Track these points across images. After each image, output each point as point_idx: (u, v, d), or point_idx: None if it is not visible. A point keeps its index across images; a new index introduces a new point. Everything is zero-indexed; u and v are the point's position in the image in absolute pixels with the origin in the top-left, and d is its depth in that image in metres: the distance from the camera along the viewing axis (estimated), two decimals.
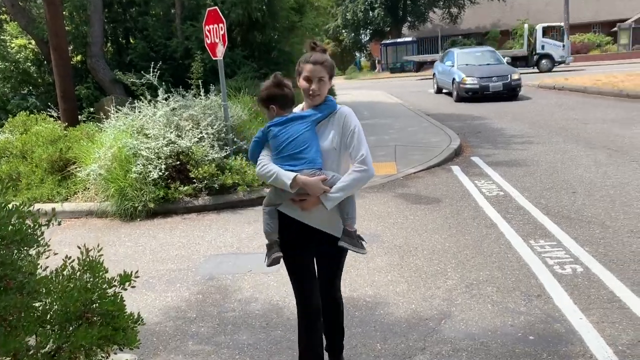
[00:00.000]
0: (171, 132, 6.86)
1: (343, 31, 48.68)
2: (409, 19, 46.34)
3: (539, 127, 10.84)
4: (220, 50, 7.02)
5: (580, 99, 14.69)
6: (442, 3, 44.77)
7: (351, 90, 25.54)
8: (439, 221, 5.67)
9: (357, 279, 4.38)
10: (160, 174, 6.57)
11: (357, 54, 55.56)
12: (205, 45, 7.28)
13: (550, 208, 5.81)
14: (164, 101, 7.34)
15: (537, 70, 29.17)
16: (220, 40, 7.00)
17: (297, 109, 2.75)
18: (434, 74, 20.32)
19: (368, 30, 49.12)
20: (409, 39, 44.89)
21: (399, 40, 44.87)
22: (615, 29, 43.21)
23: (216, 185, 6.67)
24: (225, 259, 5.07)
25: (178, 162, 6.79)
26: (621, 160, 7.60)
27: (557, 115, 12.24)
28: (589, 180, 6.77)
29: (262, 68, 10.62)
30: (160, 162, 6.62)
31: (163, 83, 8.26)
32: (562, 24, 35.44)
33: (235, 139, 7.20)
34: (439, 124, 11.48)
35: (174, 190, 6.64)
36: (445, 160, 8.36)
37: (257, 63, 10.60)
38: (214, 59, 7.24)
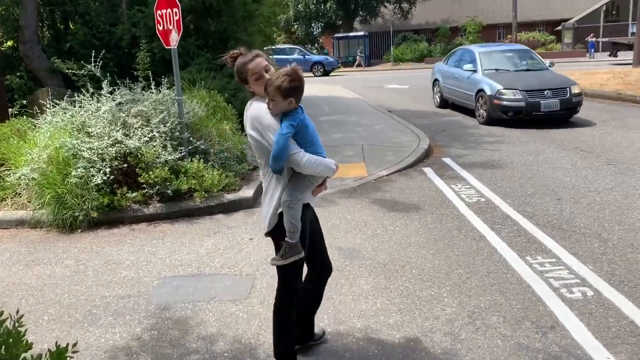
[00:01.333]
0: (117, 131, 6.03)
1: (294, 24, 47.90)
2: (361, 13, 46.09)
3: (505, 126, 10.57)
4: (174, 39, 6.23)
5: None
6: None
7: (306, 85, 24.87)
8: (422, 233, 5.14)
9: (341, 307, 3.77)
10: (105, 178, 5.73)
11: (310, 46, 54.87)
12: (157, 32, 6.46)
13: (538, 217, 5.39)
14: (108, 95, 6.47)
15: None
16: (174, 27, 6.20)
17: (263, 104, 2.67)
18: (434, 80, 14.08)
19: (320, 23, 48.53)
20: (361, 33, 44.61)
21: (351, 34, 44.50)
22: (558, 28, 44.45)
23: (169, 191, 5.90)
24: (183, 283, 4.34)
25: (125, 165, 5.97)
26: (597, 164, 7.33)
27: None
28: (570, 185, 6.43)
29: (217, 59, 9.82)
30: (104, 164, 5.79)
31: (108, 74, 7.37)
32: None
33: (191, 139, 6.43)
34: (404, 121, 11.01)
35: (120, 196, 5.82)
36: (417, 162, 7.87)
37: (213, 53, 9.77)
38: (167, 47, 6.43)
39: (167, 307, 3.93)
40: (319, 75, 30.93)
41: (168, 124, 6.26)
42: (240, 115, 8.80)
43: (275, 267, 2.82)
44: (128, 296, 4.14)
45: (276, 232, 2.75)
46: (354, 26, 47.00)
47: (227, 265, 4.63)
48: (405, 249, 4.77)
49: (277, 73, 2.60)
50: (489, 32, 45.52)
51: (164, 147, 6.13)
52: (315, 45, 49.30)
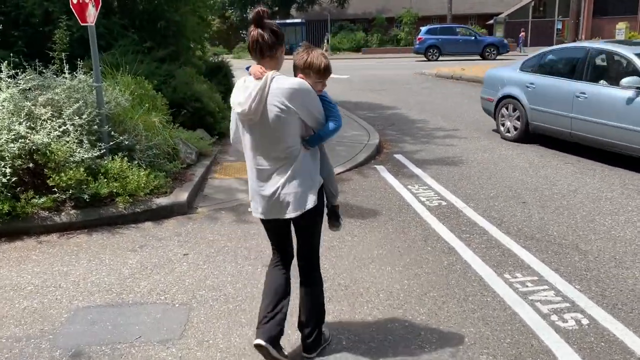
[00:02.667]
0: (20, 123, 5.00)
1: (229, 8, 46.33)
2: (298, 0, 45.23)
3: (453, 120, 10.18)
4: (92, 14, 5.24)
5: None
6: None
7: (244, 72, 23.87)
8: (384, 245, 4.52)
9: (298, 347, 3.08)
10: (5, 180, 4.72)
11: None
12: (71, 6, 5.43)
13: (507, 224, 4.92)
14: (10, 79, 5.40)
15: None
16: (91, 0, 5.22)
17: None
18: (502, 98, 8.42)
19: (256, 8, 47.16)
20: (298, 20, 43.82)
21: (287, 21, 43.56)
22: (490, 21, 45.50)
23: (86, 196, 4.97)
24: (100, 316, 3.49)
25: (32, 164, 4.97)
26: (555, 162, 7.01)
27: (465, 106, 11.73)
28: (532, 186, 6.03)
29: (145, 41, 8.77)
30: (4, 164, 4.78)
31: (12, 55, 6.23)
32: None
33: (112, 133, 5.48)
34: (349, 113, 10.40)
35: (25, 202, 4.83)
36: (369, 159, 7.28)
37: (140, 34, 8.74)
38: (82, 24, 5.42)
39: (77, 352, 3.09)
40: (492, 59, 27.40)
41: (85, 116, 5.29)
42: (174, 105, 7.89)
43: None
44: (27, 337, 3.25)
45: (314, 210, 2.72)
46: (290, 13, 46.06)
47: (155, 290, 3.81)
48: (368, 265, 4.14)
49: (316, 53, 2.66)
50: (424, 24, 45.81)
51: (80, 143, 5.16)
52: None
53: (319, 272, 2.97)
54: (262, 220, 2.84)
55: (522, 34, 37.93)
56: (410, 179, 6.44)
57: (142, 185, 5.20)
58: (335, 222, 3.00)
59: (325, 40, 40.10)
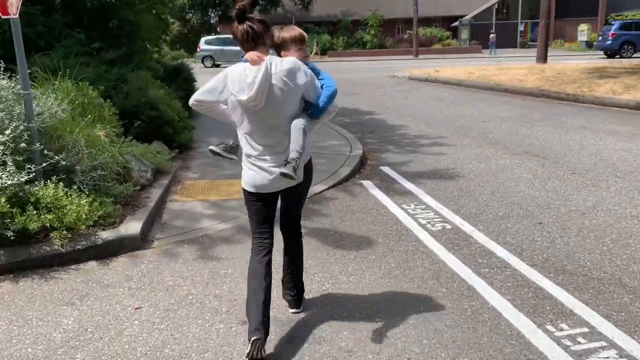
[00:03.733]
0: None
1: (189, 11, 44.92)
2: (261, 2, 44.20)
3: (437, 126, 9.43)
4: (14, 3, 4.20)
5: (460, 93, 13.84)
6: None
7: (206, 75, 22.74)
8: (388, 285, 3.65)
9: None
10: None
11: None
12: None
13: (530, 253, 4.12)
14: None
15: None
16: None
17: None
18: None
19: (217, 11, 45.92)
20: None
21: None
22: (455, 24, 45.52)
23: (11, 232, 3.93)
24: None
25: None
26: (560, 172, 6.30)
27: (447, 111, 11.03)
28: (544, 202, 5.28)
29: (94, 41, 7.72)
30: None
31: None
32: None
33: (45, 151, 4.42)
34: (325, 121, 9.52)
35: None
36: (353, 173, 6.41)
37: (88, 34, 7.67)
38: (3, 17, 4.35)
39: None
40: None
41: (9, 131, 4.23)
42: (126, 114, 6.85)
43: None
44: None
45: (307, 178, 3.08)
46: (253, 15, 44.90)
47: None
48: (373, 317, 3.26)
49: (287, 28, 2.94)
50: (389, 27, 45.66)
51: (2, 165, 4.12)
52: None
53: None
54: (256, 195, 2.99)
55: (492, 35, 37.92)
56: (404, 197, 5.61)
57: (84, 215, 4.19)
58: (285, 166, 2.81)
59: (315, 43, 39.17)
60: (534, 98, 12.29)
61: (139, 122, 6.45)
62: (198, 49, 31.96)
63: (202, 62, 31.90)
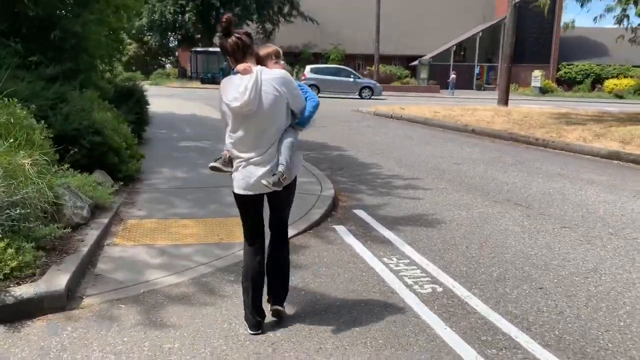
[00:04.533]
0: None
1: (147, 34, 43.80)
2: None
3: (409, 166, 8.87)
4: None
5: (427, 131, 13.45)
6: (256, 17, 43.03)
7: (162, 99, 21.73)
8: None
9: None
10: None
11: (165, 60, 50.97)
12: None
13: (539, 328, 3.48)
14: None
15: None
16: None
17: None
18: None
19: (177, 35, 45.01)
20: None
21: (210, 49, 41.81)
22: (414, 63, 46.22)
23: None
24: None
25: None
26: (549, 226, 5.77)
27: (417, 150, 10.54)
28: (540, 262, 4.70)
29: (33, 54, 6.78)
30: None
31: None
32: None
33: None
34: None
35: None
36: (325, 216, 5.70)
37: (25, 45, 6.75)
38: None
39: None
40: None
41: None
42: (64, 138, 5.91)
43: None
44: None
45: (294, 180, 3.32)
46: (214, 41, 44.34)
47: None
48: None
49: (267, 45, 3.25)
50: (350, 62, 45.87)
51: None
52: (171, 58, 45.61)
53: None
54: (245, 198, 3.17)
55: (453, 76, 38.55)
56: (383, 247, 4.92)
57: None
58: (271, 177, 3.05)
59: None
60: (502, 141, 12.01)
61: (76, 149, 5.56)
62: (303, 77, 29.71)
63: None
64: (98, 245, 4.43)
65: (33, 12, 7.17)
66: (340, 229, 5.38)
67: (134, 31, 41.93)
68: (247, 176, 3.07)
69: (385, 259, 4.62)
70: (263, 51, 3.12)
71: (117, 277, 3.99)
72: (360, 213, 6.01)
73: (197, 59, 41.25)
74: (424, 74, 43.62)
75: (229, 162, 3.21)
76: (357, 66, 47.91)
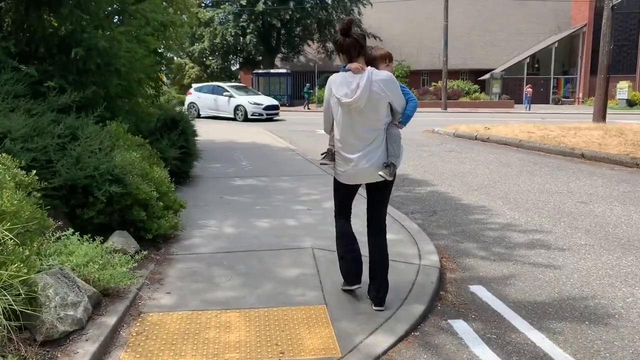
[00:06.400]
0: None
1: (210, 58, 43.61)
2: (283, 50, 42.91)
3: (522, 208, 6.82)
4: None
5: (525, 157, 11.28)
6: (317, 37, 41.96)
7: (222, 124, 20.63)
8: None
9: None
10: None
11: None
12: None
13: None
14: None
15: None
16: None
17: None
18: None
19: (238, 57, 44.61)
20: (283, 70, 41.32)
21: (272, 71, 41.05)
22: (484, 77, 43.58)
23: None
24: None
25: None
26: None
27: (523, 183, 8.45)
28: None
29: (51, 77, 5.42)
30: None
31: None
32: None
33: None
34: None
35: None
36: (431, 303, 3.86)
37: (40, 67, 5.40)
38: None
39: None
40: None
41: None
42: (71, 191, 4.36)
43: None
44: None
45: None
46: (275, 63, 43.57)
47: None
48: None
49: (377, 47, 3.55)
50: (414, 78, 43.86)
51: None
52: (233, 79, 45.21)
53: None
54: (350, 188, 3.60)
55: (529, 90, 35.63)
56: None
57: None
58: (385, 169, 3.38)
59: (306, 95, 37.33)
60: (625, 168, 9.68)
61: (94, 200, 4.05)
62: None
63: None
64: None
65: (49, 28, 5.86)
66: (461, 328, 3.52)
67: (195, 55, 41.90)
68: (355, 166, 3.38)
69: None
70: (379, 52, 3.47)
71: None
72: (482, 292, 4.13)
73: (259, 81, 40.55)
74: (496, 88, 40.92)
75: (334, 155, 3.53)
76: (422, 82, 45.81)
